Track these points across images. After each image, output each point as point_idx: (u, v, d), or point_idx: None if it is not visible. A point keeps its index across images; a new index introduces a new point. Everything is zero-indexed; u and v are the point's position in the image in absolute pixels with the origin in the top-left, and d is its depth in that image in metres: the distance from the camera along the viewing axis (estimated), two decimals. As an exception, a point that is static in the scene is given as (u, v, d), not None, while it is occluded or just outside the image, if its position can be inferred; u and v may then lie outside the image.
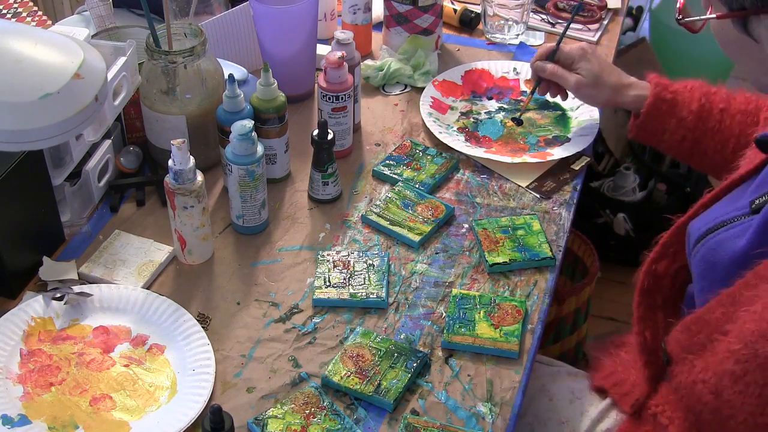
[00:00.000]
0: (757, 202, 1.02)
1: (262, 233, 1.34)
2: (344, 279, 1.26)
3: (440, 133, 1.51)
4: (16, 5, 1.73)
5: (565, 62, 1.46)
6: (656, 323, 1.19)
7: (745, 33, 0.98)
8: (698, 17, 1.05)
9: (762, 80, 1.04)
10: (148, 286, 1.25)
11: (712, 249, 1.05)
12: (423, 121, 1.55)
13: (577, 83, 1.44)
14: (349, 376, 1.12)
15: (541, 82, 1.50)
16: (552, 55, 1.47)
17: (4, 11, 1.71)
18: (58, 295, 1.20)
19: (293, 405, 1.09)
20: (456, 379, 1.14)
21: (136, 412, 1.09)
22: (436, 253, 1.32)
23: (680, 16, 1.09)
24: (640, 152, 2.41)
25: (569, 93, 1.50)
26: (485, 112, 1.60)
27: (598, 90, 1.43)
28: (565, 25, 1.54)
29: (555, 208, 1.40)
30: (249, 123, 1.26)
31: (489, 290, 1.26)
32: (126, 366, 1.14)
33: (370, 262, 1.28)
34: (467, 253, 1.32)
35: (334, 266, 1.27)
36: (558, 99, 1.54)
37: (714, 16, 1.00)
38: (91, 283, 1.24)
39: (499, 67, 1.68)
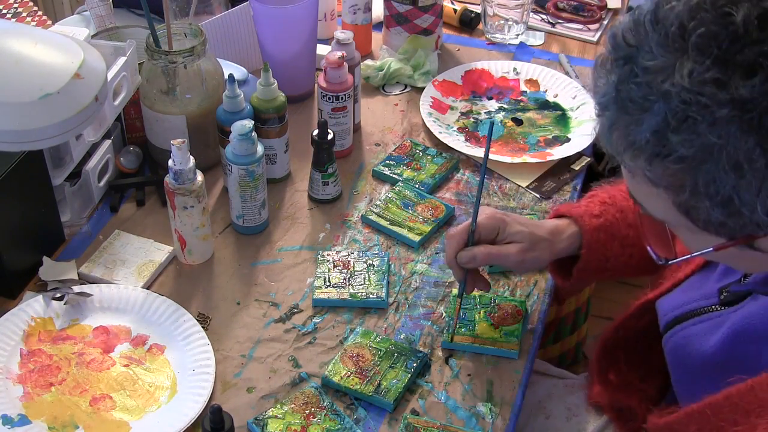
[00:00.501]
0: (725, 294, 0.98)
1: (262, 233, 1.34)
2: (344, 279, 1.25)
3: (440, 133, 1.51)
4: (16, 5, 1.73)
5: (487, 238, 1.14)
6: (619, 365, 1.19)
7: (749, 249, 0.82)
8: (689, 255, 0.89)
9: (755, 270, 0.93)
10: (148, 286, 1.25)
11: (682, 344, 1.01)
12: (423, 121, 1.55)
13: (518, 252, 1.13)
14: (349, 376, 1.12)
15: (467, 276, 1.15)
16: (471, 237, 1.13)
17: (4, 11, 1.71)
18: (58, 295, 1.20)
19: (293, 405, 1.09)
20: (456, 379, 1.14)
21: (136, 412, 1.09)
22: (436, 253, 1.32)
23: (665, 260, 0.92)
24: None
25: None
26: (485, 112, 1.60)
27: (539, 250, 1.14)
28: (478, 189, 1.15)
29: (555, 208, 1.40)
30: (249, 123, 1.26)
31: (490, 289, 1.26)
32: (126, 366, 1.14)
33: (370, 262, 1.28)
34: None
35: (334, 266, 1.27)
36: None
37: (710, 249, 0.83)
38: (91, 283, 1.24)
39: (499, 67, 1.68)
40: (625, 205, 1.18)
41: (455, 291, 1.24)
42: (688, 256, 0.89)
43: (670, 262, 0.93)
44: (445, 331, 1.19)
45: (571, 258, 1.19)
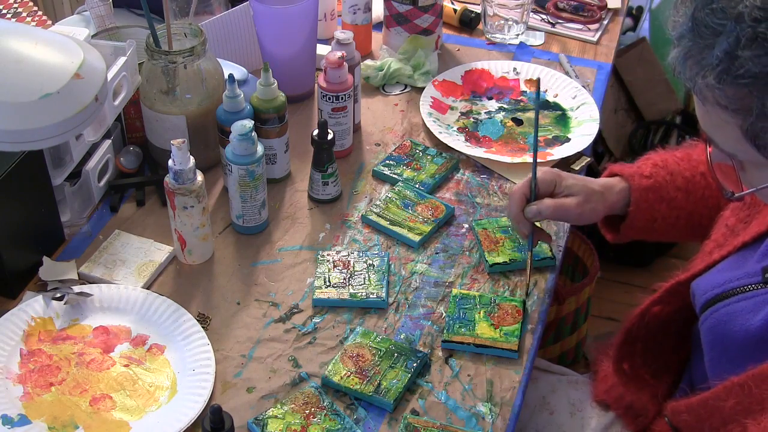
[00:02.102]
0: None
1: (262, 233, 1.34)
2: (344, 279, 1.25)
3: (440, 133, 1.51)
4: (16, 5, 1.73)
5: (545, 193, 1.22)
6: (634, 356, 1.19)
7: None
8: (753, 189, 0.91)
9: None
10: (148, 286, 1.25)
11: (723, 321, 1.01)
12: (423, 121, 1.55)
13: (578, 205, 1.20)
14: (349, 376, 1.12)
15: (534, 231, 1.22)
16: (533, 193, 1.21)
17: (4, 11, 1.71)
18: (58, 295, 1.20)
19: (293, 405, 1.09)
20: (456, 379, 1.14)
21: (136, 412, 1.09)
22: (436, 253, 1.32)
23: (732, 193, 0.95)
24: (640, 152, 2.41)
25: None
26: (485, 112, 1.60)
27: (593, 202, 1.21)
28: (533, 151, 1.23)
29: (555, 208, 1.40)
30: (249, 123, 1.26)
31: (489, 290, 1.26)
32: (126, 366, 1.14)
33: (370, 262, 1.28)
34: (467, 253, 1.32)
35: (334, 266, 1.27)
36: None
37: None
38: (91, 283, 1.24)
39: (499, 67, 1.68)
40: (675, 169, 1.23)
41: (455, 290, 1.24)
42: (754, 189, 0.91)
43: (736, 195, 0.94)
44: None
45: (620, 217, 1.24)
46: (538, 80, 1.24)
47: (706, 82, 0.81)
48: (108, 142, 1.38)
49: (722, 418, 0.96)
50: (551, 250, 1.30)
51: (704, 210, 1.24)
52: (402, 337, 1.19)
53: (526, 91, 1.64)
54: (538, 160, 1.45)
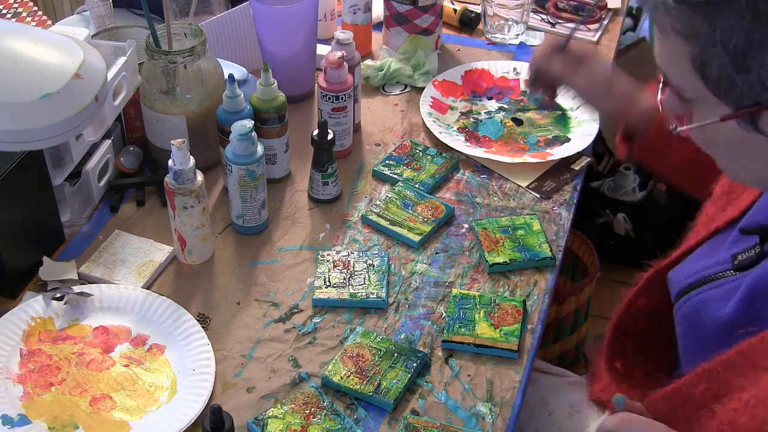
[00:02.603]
0: (740, 258, 0.98)
1: (262, 233, 1.34)
2: (344, 279, 1.25)
3: (440, 133, 1.51)
4: (16, 5, 1.73)
5: (574, 58, 1.32)
6: (626, 354, 1.19)
7: (754, 131, 0.83)
8: (696, 124, 0.89)
9: (763, 177, 0.92)
10: (148, 286, 1.25)
11: (696, 309, 1.01)
12: (423, 121, 1.55)
13: (590, 81, 1.30)
14: (349, 376, 1.12)
15: (538, 79, 1.36)
16: (562, 48, 1.32)
17: (4, 11, 1.71)
18: (58, 295, 1.20)
19: (293, 405, 1.09)
20: (456, 379, 1.14)
21: (136, 412, 1.09)
22: (436, 253, 1.32)
23: (675, 126, 0.94)
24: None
25: (559, 99, 1.40)
26: (485, 112, 1.60)
27: (608, 96, 1.29)
28: (580, 20, 1.40)
29: (555, 208, 1.40)
30: (249, 123, 1.26)
31: (489, 290, 1.26)
32: (126, 366, 1.14)
33: (370, 262, 1.28)
34: (467, 253, 1.32)
35: (334, 266, 1.27)
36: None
37: (716, 119, 0.84)
38: (91, 283, 1.24)
39: (499, 67, 1.68)
40: None
41: (455, 290, 1.24)
42: (695, 125, 0.89)
43: (678, 128, 0.93)
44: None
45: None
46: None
47: (666, 4, 0.81)
48: (108, 142, 1.38)
49: (693, 405, 0.96)
50: (551, 250, 1.30)
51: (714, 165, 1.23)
52: (402, 337, 1.19)
53: (526, 91, 1.64)
54: (538, 160, 1.46)
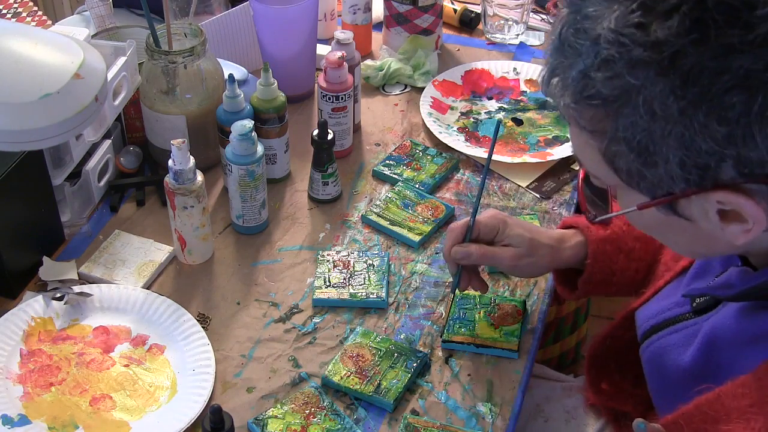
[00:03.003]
0: (698, 300, 0.97)
1: (262, 233, 1.34)
2: (344, 279, 1.26)
3: (440, 133, 1.51)
4: (16, 5, 1.73)
5: (486, 237, 1.15)
6: (610, 372, 1.19)
7: (674, 215, 0.83)
8: (615, 213, 0.89)
9: (697, 251, 0.91)
10: (148, 286, 1.25)
11: (658, 354, 1.01)
12: (423, 121, 1.55)
13: (513, 257, 1.14)
14: (349, 376, 1.12)
15: (461, 273, 1.16)
16: (469, 233, 1.14)
17: (4, 11, 1.71)
18: (58, 295, 1.20)
19: (293, 405, 1.09)
20: (456, 379, 1.14)
21: (136, 412, 1.09)
22: (436, 253, 1.32)
23: (592, 216, 0.93)
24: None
25: (488, 285, 1.23)
26: (485, 112, 1.60)
27: (536, 257, 1.14)
28: (479, 187, 1.15)
29: (555, 208, 1.40)
30: (249, 123, 1.26)
31: (489, 290, 1.26)
32: (126, 366, 1.14)
33: (370, 262, 1.28)
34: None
35: (334, 266, 1.27)
36: (477, 292, 1.24)
37: (634, 208, 0.84)
38: (91, 283, 1.24)
39: (499, 67, 1.68)
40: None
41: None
42: (613, 214, 0.89)
43: (597, 219, 0.92)
44: (445, 331, 1.19)
45: (576, 272, 1.19)
46: (498, 124, 1.16)
47: (565, 102, 0.81)
48: (108, 142, 1.38)
49: None
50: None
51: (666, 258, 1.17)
52: (402, 337, 1.19)
53: (526, 91, 1.64)
54: (538, 160, 1.46)
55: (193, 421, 1.07)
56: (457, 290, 1.18)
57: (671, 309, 1.01)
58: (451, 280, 1.27)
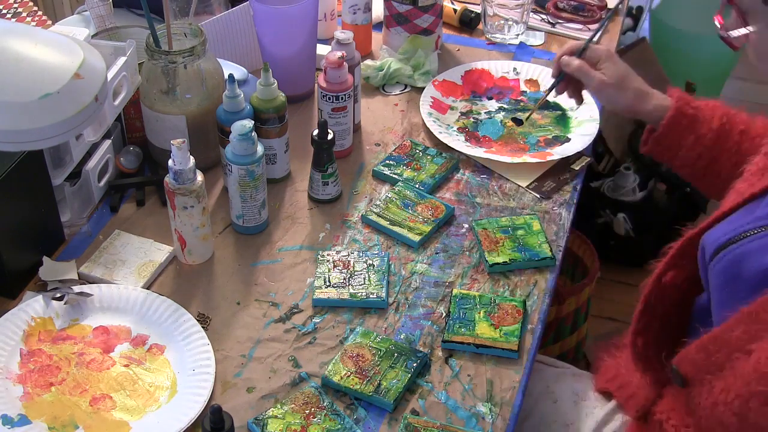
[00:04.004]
0: None
1: (262, 233, 1.34)
2: (344, 279, 1.25)
3: (440, 133, 1.51)
4: (16, 5, 1.73)
5: (590, 61, 1.42)
6: (650, 332, 1.19)
7: None
8: (742, 29, 1.05)
9: None
10: (148, 286, 1.25)
11: (735, 262, 1.02)
12: (423, 121, 1.55)
13: (600, 82, 1.38)
14: (349, 376, 1.12)
15: (561, 78, 1.45)
16: (580, 52, 1.42)
17: (4, 11, 1.71)
18: (58, 295, 1.20)
19: (293, 405, 1.09)
20: (456, 379, 1.14)
21: (136, 412, 1.09)
22: (436, 253, 1.32)
23: (724, 32, 1.07)
24: (640, 152, 2.40)
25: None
26: (485, 112, 1.60)
27: (620, 93, 1.38)
28: (599, 25, 1.50)
29: (555, 208, 1.40)
30: (249, 123, 1.26)
31: (489, 290, 1.26)
32: (126, 366, 1.14)
33: (370, 262, 1.28)
34: (467, 253, 1.32)
35: (334, 266, 1.27)
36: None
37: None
38: (91, 283, 1.24)
39: (499, 67, 1.68)
40: (718, 115, 1.33)
41: (455, 290, 1.24)
42: (748, 30, 1.04)
43: (729, 32, 1.07)
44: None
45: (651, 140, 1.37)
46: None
47: None
48: (108, 142, 1.38)
49: (729, 349, 0.97)
50: (551, 250, 1.30)
51: (727, 164, 1.30)
52: (402, 337, 1.19)
53: (526, 91, 1.64)
54: (538, 160, 1.46)
55: (193, 421, 1.07)
56: (550, 92, 1.48)
57: (750, 223, 1.04)
58: (451, 279, 1.28)
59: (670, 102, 1.35)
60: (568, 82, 1.46)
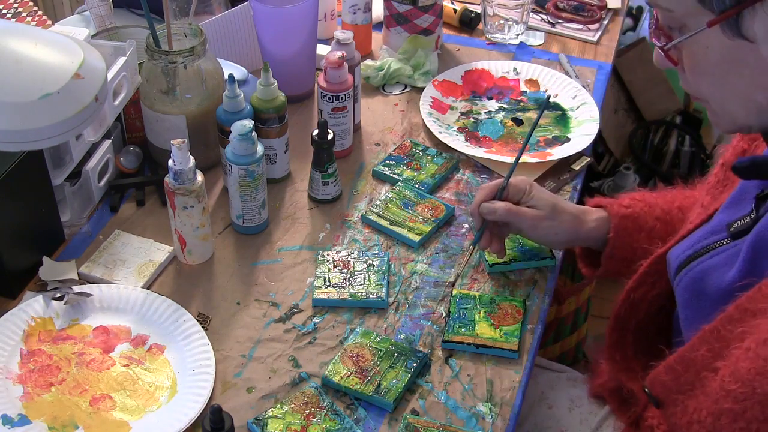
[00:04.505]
0: (735, 225, 0.98)
1: (262, 233, 1.34)
2: (344, 279, 1.26)
3: (440, 133, 1.51)
4: (16, 5, 1.73)
5: (513, 199, 1.25)
6: (625, 346, 1.19)
7: (738, 36, 0.87)
8: (683, 37, 0.92)
9: (756, 99, 0.92)
10: (148, 286, 1.25)
11: (698, 278, 1.01)
12: (423, 121, 1.55)
13: (534, 218, 1.22)
14: (349, 376, 1.12)
15: (484, 229, 1.24)
16: (500, 193, 1.24)
17: (4, 11, 1.71)
18: (58, 295, 1.20)
19: (293, 405, 1.09)
20: (456, 379, 1.14)
21: (136, 412, 1.09)
22: (436, 253, 1.32)
23: (666, 44, 0.95)
24: (640, 152, 2.41)
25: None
26: (485, 112, 1.60)
27: (557, 222, 1.22)
28: (519, 150, 1.29)
29: (555, 208, 1.40)
30: (249, 123, 1.26)
31: (489, 290, 1.26)
32: (126, 366, 1.14)
33: (370, 262, 1.28)
34: (467, 253, 1.32)
35: (334, 266, 1.27)
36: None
37: (704, 27, 0.88)
38: (91, 283, 1.24)
39: (499, 67, 1.68)
40: (652, 201, 1.24)
41: (455, 290, 1.24)
42: (685, 36, 0.92)
43: (669, 44, 0.95)
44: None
45: (598, 254, 1.25)
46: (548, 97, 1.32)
47: None
48: (108, 142, 1.38)
49: (696, 369, 0.96)
50: (551, 250, 1.30)
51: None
52: (402, 337, 1.19)
53: (526, 91, 1.64)
54: (538, 160, 1.46)
55: (193, 421, 1.07)
56: (476, 245, 1.27)
57: (707, 238, 1.02)
58: (451, 279, 1.27)
59: (601, 211, 1.24)
60: (491, 234, 1.25)
